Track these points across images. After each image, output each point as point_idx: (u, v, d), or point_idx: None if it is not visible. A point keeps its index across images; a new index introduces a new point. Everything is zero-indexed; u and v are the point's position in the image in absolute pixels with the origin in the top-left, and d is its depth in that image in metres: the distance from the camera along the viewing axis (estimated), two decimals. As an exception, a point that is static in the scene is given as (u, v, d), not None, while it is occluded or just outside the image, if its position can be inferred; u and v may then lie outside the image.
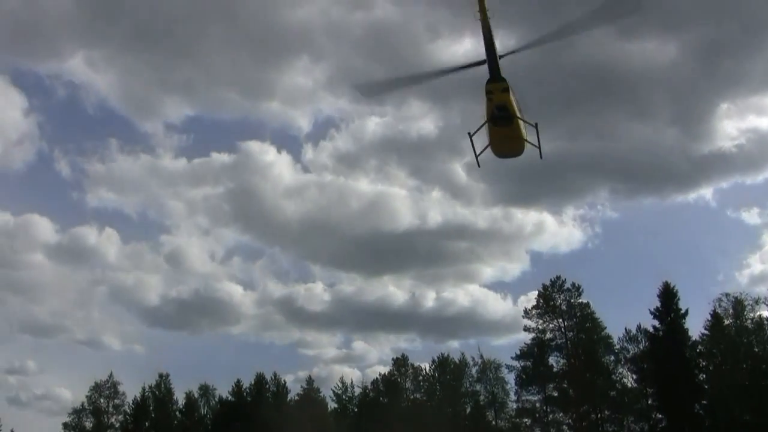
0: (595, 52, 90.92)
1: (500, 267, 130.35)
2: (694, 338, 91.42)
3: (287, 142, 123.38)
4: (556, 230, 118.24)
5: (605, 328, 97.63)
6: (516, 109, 32.50)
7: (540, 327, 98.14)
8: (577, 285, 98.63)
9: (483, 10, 29.99)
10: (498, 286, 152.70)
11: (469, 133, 34.58)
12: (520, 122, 32.74)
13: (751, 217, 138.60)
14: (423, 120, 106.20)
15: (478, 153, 34.33)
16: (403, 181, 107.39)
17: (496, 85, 31.95)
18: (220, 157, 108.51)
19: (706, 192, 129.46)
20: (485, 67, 32.68)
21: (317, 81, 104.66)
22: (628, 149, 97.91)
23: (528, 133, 33.51)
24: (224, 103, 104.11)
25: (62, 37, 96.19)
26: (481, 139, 34.56)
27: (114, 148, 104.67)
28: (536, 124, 32.99)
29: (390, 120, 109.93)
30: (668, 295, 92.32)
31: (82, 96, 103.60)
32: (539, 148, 33.86)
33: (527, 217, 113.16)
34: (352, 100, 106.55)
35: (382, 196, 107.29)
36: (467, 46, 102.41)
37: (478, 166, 35.05)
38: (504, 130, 33.27)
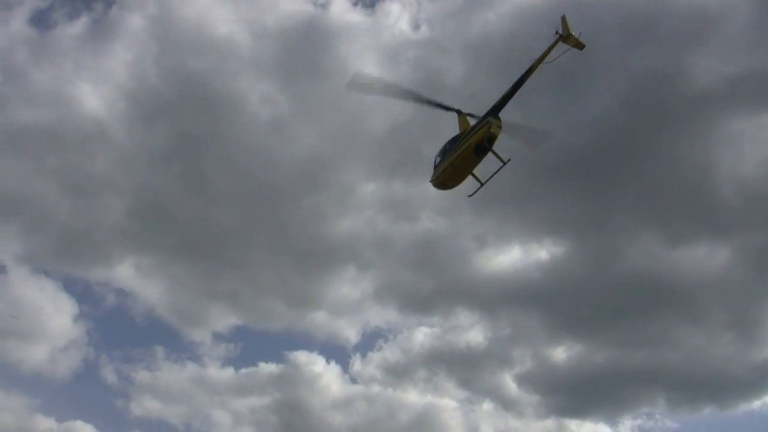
0: (644, 261, 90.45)
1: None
2: None
3: (335, 352, 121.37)
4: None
5: None
6: None
7: None
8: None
9: (542, 58, 36.32)
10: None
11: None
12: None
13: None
14: (471, 330, 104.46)
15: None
16: (452, 393, 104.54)
17: (497, 121, 36.81)
18: (268, 367, 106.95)
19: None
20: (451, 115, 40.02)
21: (364, 291, 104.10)
22: (683, 356, 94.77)
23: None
24: (271, 313, 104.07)
25: (112, 244, 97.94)
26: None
27: (160, 356, 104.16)
28: (508, 160, 37.17)
29: (438, 331, 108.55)
30: None
31: (129, 303, 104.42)
32: (482, 184, 38.41)
33: (582, 429, 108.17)
34: (399, 310, 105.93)
35: (431, 407, 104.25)
36: (515, 255, 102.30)
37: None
38: (475, 159, 37.61)
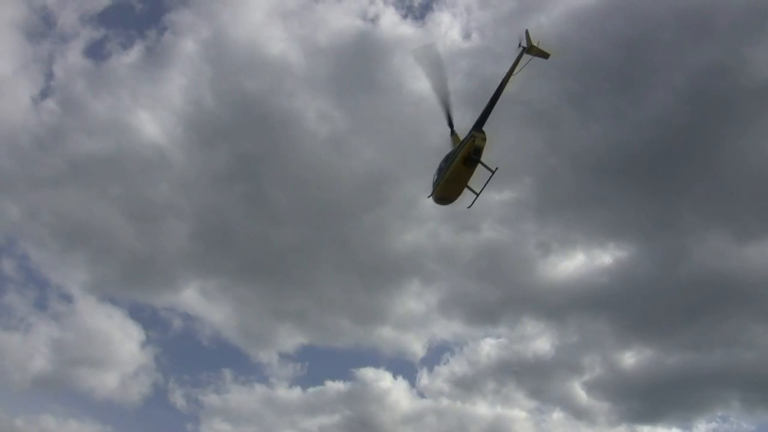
0: (712, 260, 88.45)
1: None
2: None
3: (402, 367, 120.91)
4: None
5: None
6: None
7: None
8: None
9: (511, 72, 39.21)
10: None
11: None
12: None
13: None
14: (538, 339, 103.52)
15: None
16: (522, 403, 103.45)
17: (481, 134, 40.16)
18: (335, 386, 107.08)
19: None
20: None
21: (429, 305, 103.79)
22: (756, 356, 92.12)
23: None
24: (337, 331, 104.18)
25: (176, 269, 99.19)
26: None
27: (228, 378, 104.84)
28: (496, 169, 40.45)
29: (504, 341, 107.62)
30: None
31: (196, 327, 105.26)
32: (477, 194, 41.66)
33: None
34: (465, 322, 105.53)
35: (501, 419, 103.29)
36: (579, 260, 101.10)
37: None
38: (467, 171, 41.02)
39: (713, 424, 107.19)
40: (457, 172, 41.61)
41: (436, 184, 43.54)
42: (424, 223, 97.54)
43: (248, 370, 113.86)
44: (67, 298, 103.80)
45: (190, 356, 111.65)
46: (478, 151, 40.30)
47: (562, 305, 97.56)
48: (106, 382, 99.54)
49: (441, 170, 43.18)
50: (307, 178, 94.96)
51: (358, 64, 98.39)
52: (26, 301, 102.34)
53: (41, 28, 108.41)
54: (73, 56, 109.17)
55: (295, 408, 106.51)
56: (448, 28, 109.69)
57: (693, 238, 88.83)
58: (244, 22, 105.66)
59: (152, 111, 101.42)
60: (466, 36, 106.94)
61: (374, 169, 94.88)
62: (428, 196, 44.30)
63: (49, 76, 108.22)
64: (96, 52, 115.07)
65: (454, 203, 44.16)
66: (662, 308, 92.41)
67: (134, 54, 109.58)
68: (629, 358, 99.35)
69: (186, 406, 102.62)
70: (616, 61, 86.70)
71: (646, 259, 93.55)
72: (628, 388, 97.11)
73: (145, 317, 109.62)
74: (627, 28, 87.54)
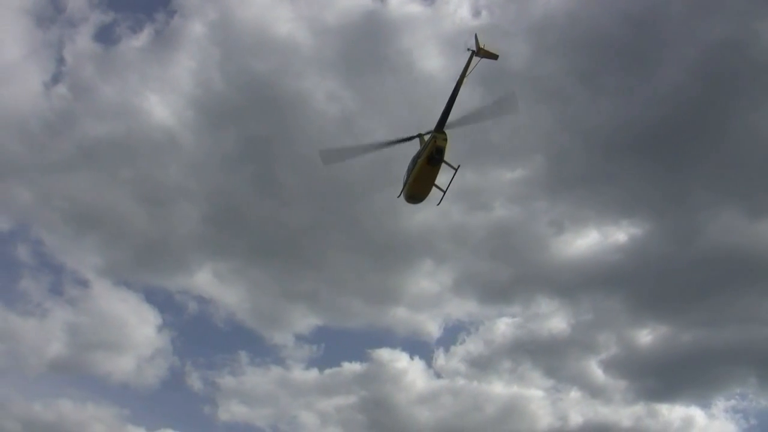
0: (726, 236, 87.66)
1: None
2: None
3: (418, 348, 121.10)
4: (707, 424, 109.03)
5: None
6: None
7: None
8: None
9: (464, 74, 40.59)
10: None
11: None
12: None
13: None
14: (553, 318, 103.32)
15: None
16: (538, 382, 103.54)
17: (442, 135, 42.14)
18: (352, 366, 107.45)
19: None
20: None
21: (443, 284, 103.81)
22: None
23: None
24: (351, 312, 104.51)
25: (189, 252, 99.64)
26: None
27: (244, 360, 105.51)
28: (458, 166, 42.99)
29: (519, 320, 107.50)
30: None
31: (211, 310, 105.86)
32: (444, 192, 44.32)
33: (673, 412, 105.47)
34: (479, 301, 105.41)
35: (517, 398, 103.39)
36: (593, 238, 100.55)
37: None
38: (432, 170, 43.38)
39: (732, 402, 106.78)
40: (422, 172, 43.96)
41: (404, 184, 45.95)
42: (435, 203, 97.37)
43: (264, 352, 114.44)
44: (83, 283, 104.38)
45: (205, 339, 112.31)
46: (440, 151, 42.62)
47: (575, 283, 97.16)
48: (123, 365, 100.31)
49: (409, 171, 45.61)
50: (317, 158, 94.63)
51: (366, 44, 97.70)
52: (41, 287, 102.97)
53: (50, 13, 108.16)
54: (83, 41, 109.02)
55: (311, 389, 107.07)
56: (457, 6, 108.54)
57: (706, 214, 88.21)
58: (252, 3, 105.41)
59: (162, 94, 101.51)
60: (476, 14, 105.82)
61: (384, 149, 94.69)
62: (398, 196, 46.46)
63: (60, 61, 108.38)
64: (105, 36, 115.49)
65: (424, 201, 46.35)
66: (676, 285, 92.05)
67: (143, 38, 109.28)
68: (645, 336, 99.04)
69: (203, 389, 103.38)
70: (625, 36, 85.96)
71: (659, 236, 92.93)
72: (644, 365, 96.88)
73: (160, 301, 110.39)
74: (636, 3, 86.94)
